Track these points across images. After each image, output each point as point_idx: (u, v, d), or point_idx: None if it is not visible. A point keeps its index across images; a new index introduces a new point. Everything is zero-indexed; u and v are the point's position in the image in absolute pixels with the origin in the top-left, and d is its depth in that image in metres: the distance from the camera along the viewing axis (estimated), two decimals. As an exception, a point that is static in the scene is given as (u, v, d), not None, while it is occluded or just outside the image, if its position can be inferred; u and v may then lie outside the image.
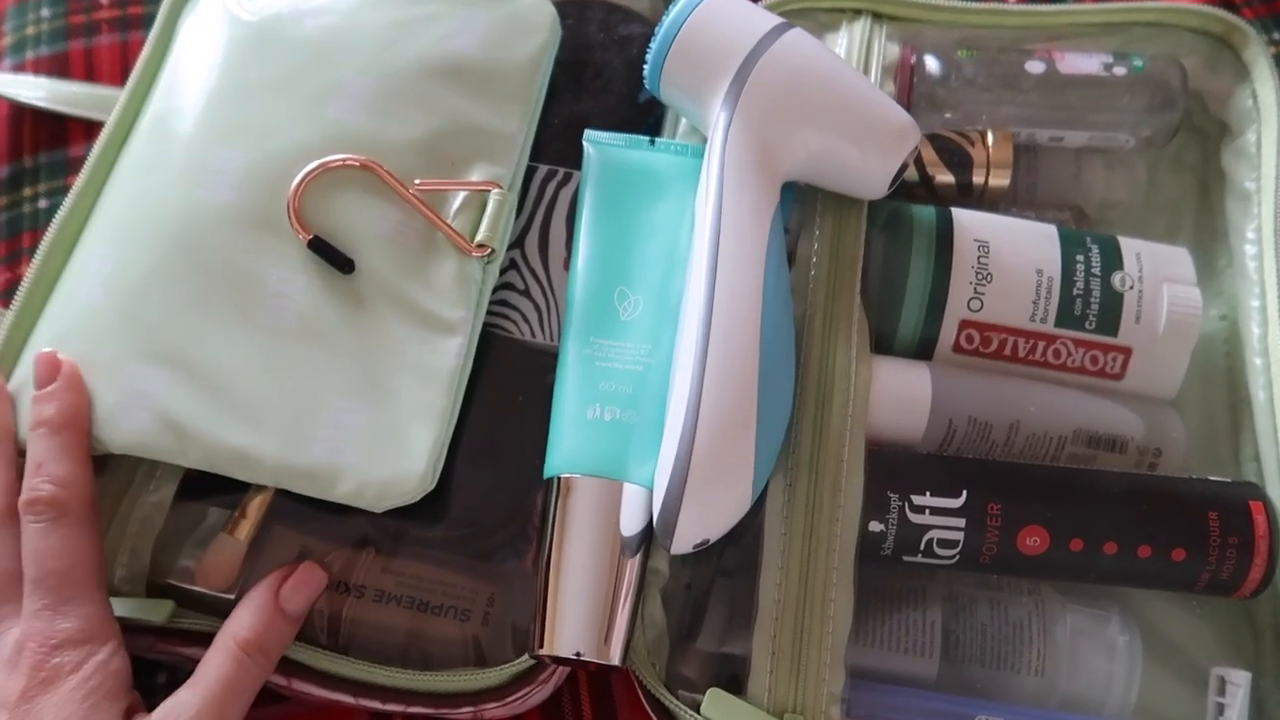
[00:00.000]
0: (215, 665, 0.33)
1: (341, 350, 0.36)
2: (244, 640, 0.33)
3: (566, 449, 0.37)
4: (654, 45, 0.40)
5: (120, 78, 0.50)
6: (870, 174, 0.39)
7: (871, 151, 0.38)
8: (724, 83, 0.38)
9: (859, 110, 0.38)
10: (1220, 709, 0.36)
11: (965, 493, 0.36)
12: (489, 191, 0.40)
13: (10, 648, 0.32)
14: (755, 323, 0.35)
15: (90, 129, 0.49)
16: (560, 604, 0.34)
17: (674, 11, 0.39)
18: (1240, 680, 0.35)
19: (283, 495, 0.38)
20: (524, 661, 0.36)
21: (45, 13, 0.52)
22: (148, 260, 0.37)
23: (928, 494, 0.36)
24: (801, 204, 0.42)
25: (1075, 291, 0.40)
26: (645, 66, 0.40)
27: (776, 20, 0.39)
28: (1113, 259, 0.40)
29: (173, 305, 0.36)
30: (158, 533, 0.37)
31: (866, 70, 0.44)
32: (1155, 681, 0.38)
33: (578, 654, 0.34)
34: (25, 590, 0.32)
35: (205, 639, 0.35)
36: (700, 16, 0.39)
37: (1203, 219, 0.45)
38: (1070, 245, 0.40)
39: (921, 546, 0.37)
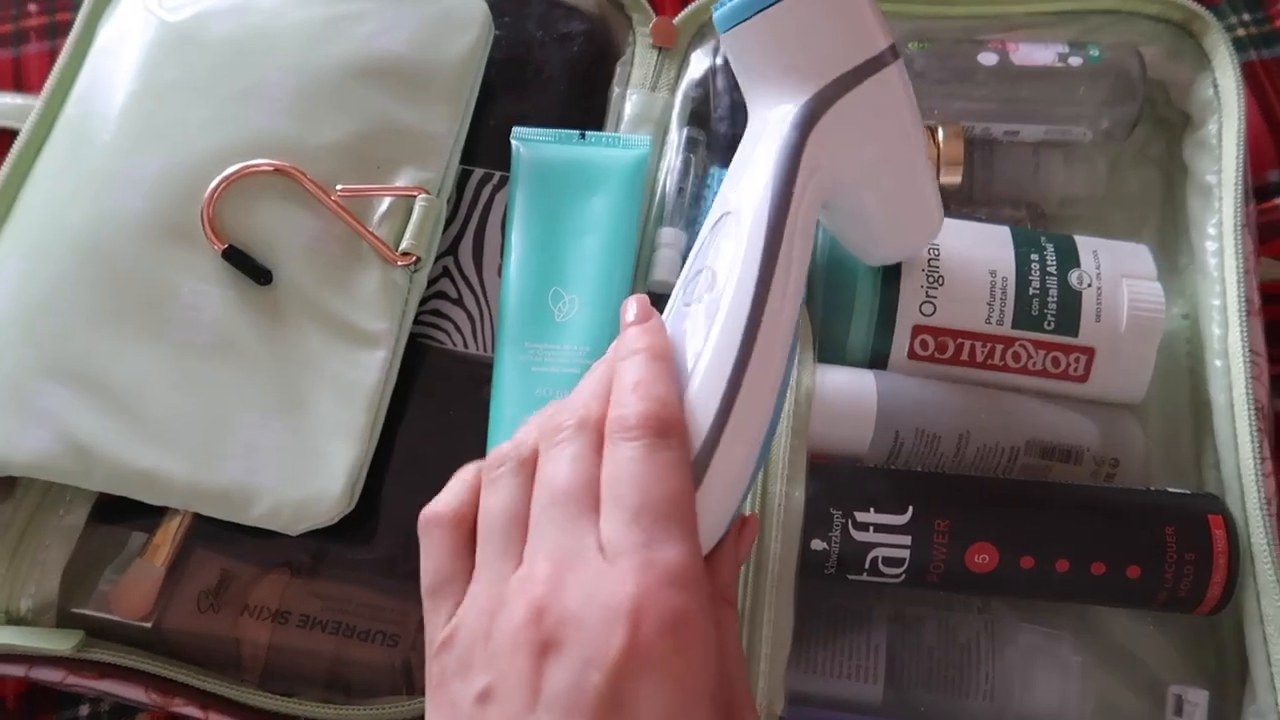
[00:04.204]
0: None
1: (256, 366, 0.35)
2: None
3: None
4: None
5: (52, 84, 0.49)
6: (880, 249, 0.36)
7: (900, 234, 0.35)
8: (808, 84, 0.32)
9: (915, 189, 0.34)
10: (1178, 730, 0.34)
11: (911, 509, 0.35)
12: (415, 197, 0.38)
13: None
14: (782, 362, 0.29)
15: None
16: None
17: None
18: (1198, 699, 0.34)
19: (203, 518, 0.36)
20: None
21: (-24, 20, 0.51)
22: (54, 271, 0.36)
23: (872, 510, 0.35)
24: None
25: (1031, 291, 0.38)
26: (722, 3, 0.32)
27: (886, 43, 0.32)
28: (1069, 257, 0.39)
29: (79, 319, 0.35)
30: (69, 558, 0.36)
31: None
32: (1114, 697, 0.36)
33: None
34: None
35: (121, 671, 0.34)
36: None
37: (1167, 214, 0.44)
38: (1024, 245, 0.39)
39: (866, 565, 0.35)
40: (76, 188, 0.38)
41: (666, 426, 0.26)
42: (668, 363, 0.28)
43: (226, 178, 0.37)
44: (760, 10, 0.31)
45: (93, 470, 0.33)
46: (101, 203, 0.37)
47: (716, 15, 0.33)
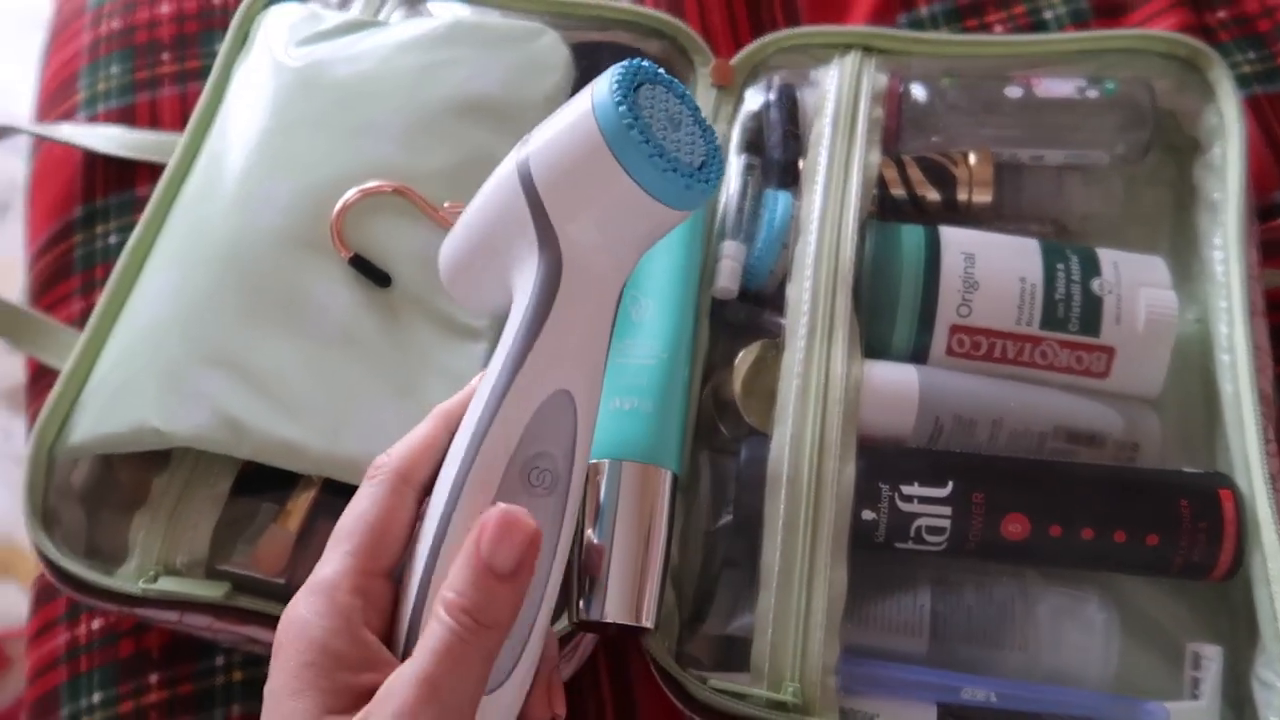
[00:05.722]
0: (428, 634, 0.27)
1: (377, 355, 0.41)
2: (449, 603, 0.27)
3: (598, 436, 0.40)
4: None
5: (180, 124, 0.55)
6: None
7: None
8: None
9: None
10: (1196, 682, 0.38)
11: (951, 483, 0.39)
12: (511, 214, 0.44)
13: None
14: None
15: (154, 171, 0.54)
16: (609, 577, 0.36)
17: None
18: (1213, 655, 0.37)
19: (326, 493, 0.42)
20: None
21: (114, 70, 0.58)
22: (205, 279, 0.42)
23: (916, 484, 0.39)
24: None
25: (1057, 296, 0.43)
26: None
27: None
28: (1091, 267, 0.43)
29: (228, 316, 0.41)
30: (215, 523, 0.41)
31: (855, 99, 0.48)
32: (1137, 658, 0.40)
33: (620, 620, 0.36)
34: None
35: (258, 617, 0.39)
36: None
37: (1178, 230, 0.48)
38: (1051, 256, 0.44)
39: (911, 533, 0.39)
40: (218, 209, 0.44)
41: None
42: None
43: (353, 196, 0.43)
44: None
45: (243, 442, 0.39)
46: (243, 219, 0.43)
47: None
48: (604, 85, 0.27)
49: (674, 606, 0.40)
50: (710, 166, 0.29)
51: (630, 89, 0.27)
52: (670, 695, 0.38)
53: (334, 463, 0.39)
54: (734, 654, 0.40)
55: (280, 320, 0.41)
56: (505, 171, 0.30)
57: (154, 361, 0.41)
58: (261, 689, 0.43)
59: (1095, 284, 0.43)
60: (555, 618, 0.38)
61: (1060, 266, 0.43)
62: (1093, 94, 0.47)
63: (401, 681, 0.26)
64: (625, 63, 0.28)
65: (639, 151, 0.27)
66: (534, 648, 0.30)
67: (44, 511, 0.41)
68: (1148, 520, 0.39)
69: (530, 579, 0.28)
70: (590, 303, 0.30)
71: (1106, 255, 0.44)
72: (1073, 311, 0.42)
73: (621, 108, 0.27)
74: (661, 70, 0.29)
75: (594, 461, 0.39)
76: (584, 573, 0.37)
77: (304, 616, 0.28)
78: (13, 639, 0.88)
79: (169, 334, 0.41)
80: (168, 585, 0.39)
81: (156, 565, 0.40)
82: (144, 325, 0.42)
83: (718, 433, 0.44)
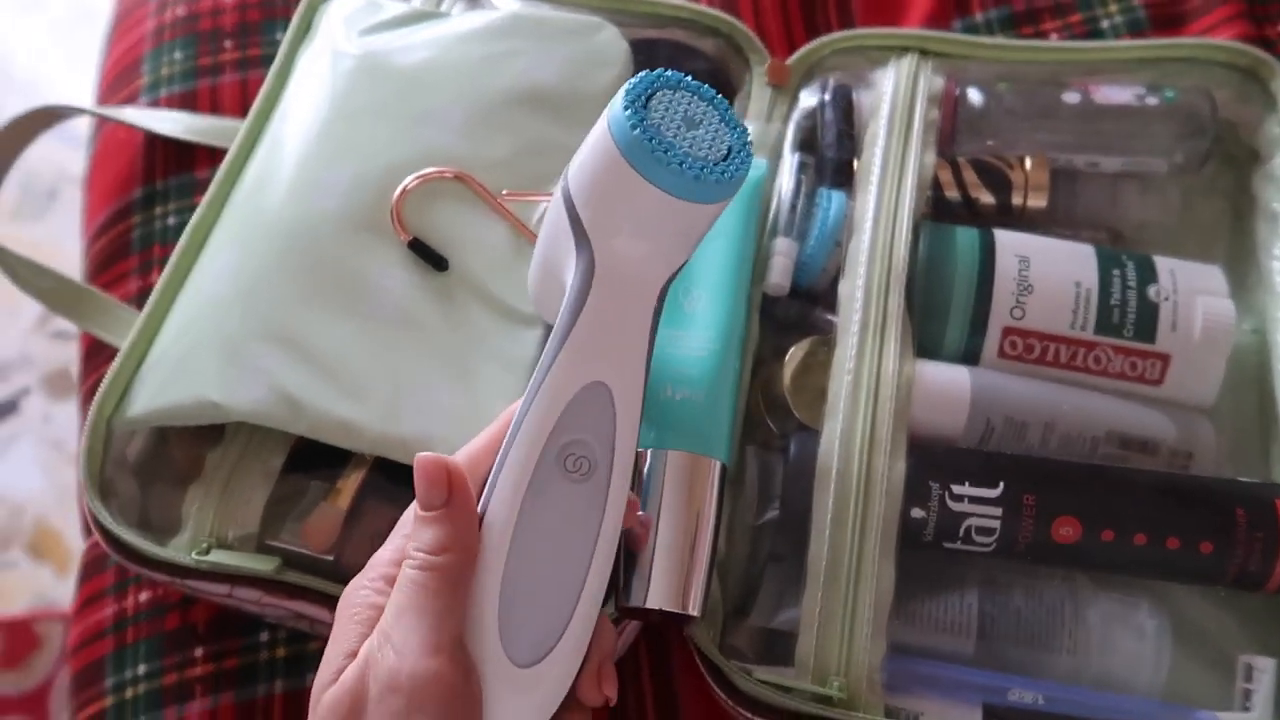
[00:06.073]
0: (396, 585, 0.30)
1: (434, 338, 0.41)
2: (408, 552, 0.31)
3: (649, 425, 0.40)
4: None
5: (240, 109, 0.56)
6: None
7: None
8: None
9: None
10: (1247, 694, 0.37)
11: (1002, 484, 0.39)
12: (567, 204, 0.44)
13: None
14: None
15: (214, 154, 0.55)
16: (655, 563, 0.36)
17: None
18: (1265, 666, 0.37)
19: (376, 473, 0.42)
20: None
21: (177, 55, 0.59)
22: (265, 259, 0.43)
23: (967, 484, 0.39)
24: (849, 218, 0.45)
25: (1113, 302, 0.42)
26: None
27: None
28: (1148, 273, 0.43)
29: (287, 296, 0.41)
30: (267, 499, 0.41)
31: (911, 101, 0.48)
32: (1187, 669, 0.39)
33: (666, 608, 0.35)
34: None
35: (306, 593, 0.40)
36: None
37: (1235, 241, 0.48)
38: (1106, 261, 0.43)
39: (960, 533, 0.39)
40: (279, 192, 0.45)
41: None
42: None
43: (413, 182, 0.43)
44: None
45: (300, 418, 0.39)
46: (304, 203, 0.44)
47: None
48: (617, 95, 0.30)
49: (718, 599, 0.40)
50: (734, 158, 0.31)
51: (640, 96, 0.30)
52: (714, 686, 0.38)
53: (388, 443, 0.39)
54: (777, 648, 0.40)
55: (339, 301, 0.41)
56: (556, 192, 0.33)
57: (214, 337, 0.41)
58: (305, 665, 0.44)
59: (1151, 290, 0.43)
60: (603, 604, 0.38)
61: (1116, 272, 0.43)
62: (1152, 101, 0.47)
63: (384, 614, 0.30)
64: (641, 74, 0.30)
65: (643, 149, 0.29)
66: (576, 631, 0.30)
67: (101, 482, 0.41)
68: (1202, 528, 0.38)
69: (467, 500, 0.30)
70: (623, 301, 0.32)
71: (1163, 262, 0.43)
72: (1128, 317, 0.42)
73: (628, 112, 0.29)
74: (686, 77, 0.31)
75: (643, 450, 0.39)
76: (630, 559, 0.37)
77: (357, 584, 0.32)
78: (44, 620, 0.89)
79: (229, 311, 0.42)
80: (219, 558, 0.39)
81: (209, 538, 0.40)
82: (204, 302, 0.43)
83: (765, 428, 0.44)
